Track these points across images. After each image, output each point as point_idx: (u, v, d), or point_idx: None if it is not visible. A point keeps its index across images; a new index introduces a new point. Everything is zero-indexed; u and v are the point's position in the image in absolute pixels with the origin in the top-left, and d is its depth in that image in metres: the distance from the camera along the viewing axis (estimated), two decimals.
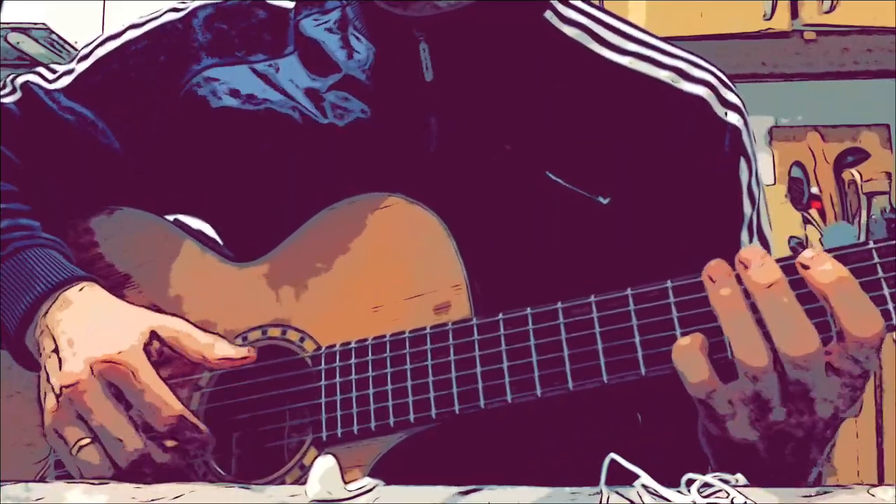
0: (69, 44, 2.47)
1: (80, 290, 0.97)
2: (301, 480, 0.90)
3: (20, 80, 1.14)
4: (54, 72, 1.14)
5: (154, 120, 1.09)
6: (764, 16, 2.34)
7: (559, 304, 0.85)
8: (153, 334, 0.93)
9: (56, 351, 0.93)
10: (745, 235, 1.03)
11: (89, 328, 0.94)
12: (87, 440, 0.91)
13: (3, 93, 1.14)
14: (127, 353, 0.92)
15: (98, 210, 1.09)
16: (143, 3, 1.24)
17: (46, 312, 0.96)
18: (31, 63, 2.58)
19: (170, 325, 0.95)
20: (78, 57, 1.15)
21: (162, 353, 0.94)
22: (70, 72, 1.14)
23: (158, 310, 0.98)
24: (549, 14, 1.06)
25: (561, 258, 0.99)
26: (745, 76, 2.52)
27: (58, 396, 0.91)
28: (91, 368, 0.91)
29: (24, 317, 0.97)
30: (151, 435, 0.91)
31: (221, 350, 0.94)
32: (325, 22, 1.08)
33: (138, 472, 0.91)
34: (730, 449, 0.81)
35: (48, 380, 0.93)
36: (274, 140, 1.05)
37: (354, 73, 1.05)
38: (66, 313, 0.95)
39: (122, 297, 1.00)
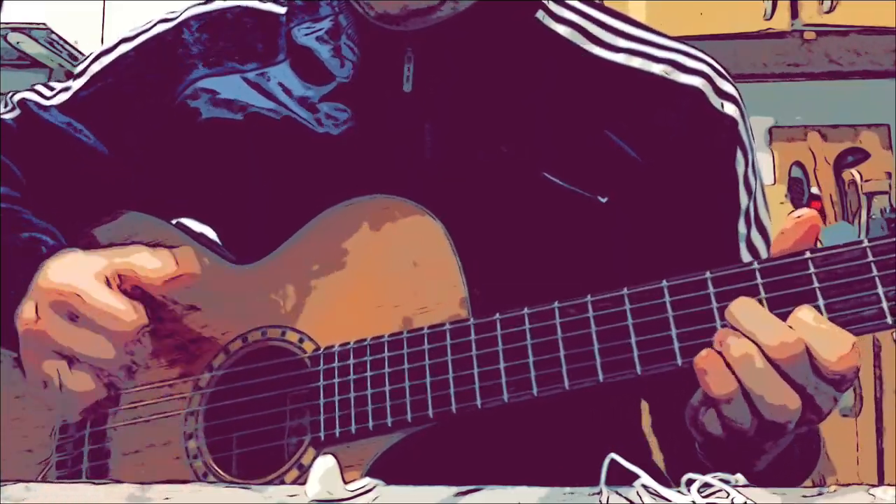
0: (69, 44, 2.47)
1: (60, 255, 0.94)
2: (299, 480, 0.90)
3: (17, 97, 1.15)
4: (52, 89, 1.16)
5: (151, 130, 1.10)
6: (764, 16, 2.34)
7: (555, 304, 0.85)
8: (109, 273, 0.90)
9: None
10: (742, 226, 1.03)
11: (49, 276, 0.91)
12: (67, 367, 0.89)
13: (1, 111, 1.15)
14: (74, 280, 0.89)
15: (102, 214, 1.10)
16: (142, 3, 1.25)
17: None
18: (31, 63, 2.58)
19: (121, 262, 0.91)
20: (74, 74, 1.16)
21: (128, 292, 0.90)
22: (66, 89, 1.15)
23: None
24: (541, 14, 1.06)
25: (560, 258, 0.99)
26: (745, 76, 2.53)
27: (25, 341, 0.90)
28: (40, 304, 0.89)
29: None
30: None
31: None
32: (318, 30, 1.08)
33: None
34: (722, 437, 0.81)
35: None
36: (270, 147, 1.05)
37: (346, 82, 1.05)
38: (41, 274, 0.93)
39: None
